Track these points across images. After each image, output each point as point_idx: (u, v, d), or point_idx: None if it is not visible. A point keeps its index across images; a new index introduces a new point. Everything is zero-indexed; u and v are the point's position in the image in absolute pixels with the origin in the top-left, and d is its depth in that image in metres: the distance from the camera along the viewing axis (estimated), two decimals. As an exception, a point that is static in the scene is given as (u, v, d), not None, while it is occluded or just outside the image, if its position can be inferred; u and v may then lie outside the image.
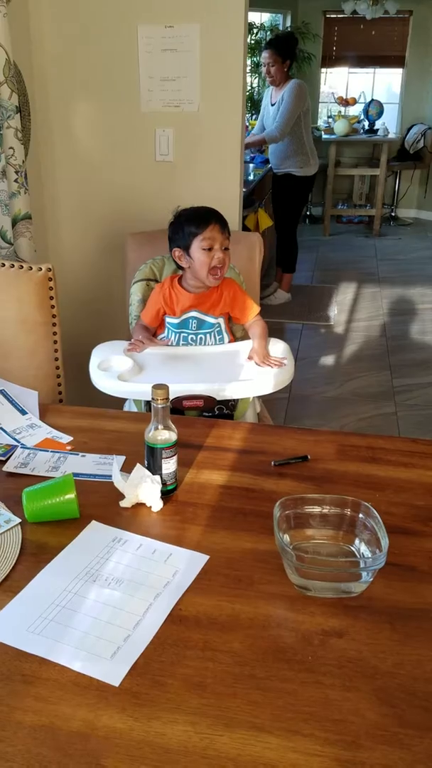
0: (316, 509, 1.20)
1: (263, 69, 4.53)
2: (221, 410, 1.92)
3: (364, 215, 7.42)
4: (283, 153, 4.57)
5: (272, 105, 4.51)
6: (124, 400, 2.01)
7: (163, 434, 1.28)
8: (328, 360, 4.06)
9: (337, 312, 4.85)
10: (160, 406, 1.26)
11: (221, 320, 2.01)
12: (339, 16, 7.04)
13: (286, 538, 1.15)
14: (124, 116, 2.60)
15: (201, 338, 2.00)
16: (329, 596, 1.07)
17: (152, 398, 1.26)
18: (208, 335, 2.00)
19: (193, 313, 2.00)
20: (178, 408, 1.74)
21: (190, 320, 1.99)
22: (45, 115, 2.62)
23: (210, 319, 2.00)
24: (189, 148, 2.61)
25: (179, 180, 2.65)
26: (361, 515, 1.17)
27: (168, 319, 2.02)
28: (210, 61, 2.48)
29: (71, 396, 2.02)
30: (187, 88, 2.54)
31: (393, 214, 7.63)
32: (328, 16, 7.17)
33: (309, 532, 1.19)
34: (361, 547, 1.16)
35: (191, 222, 1.94)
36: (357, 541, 1.17)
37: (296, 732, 0.86)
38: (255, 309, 2.05)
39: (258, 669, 0.94)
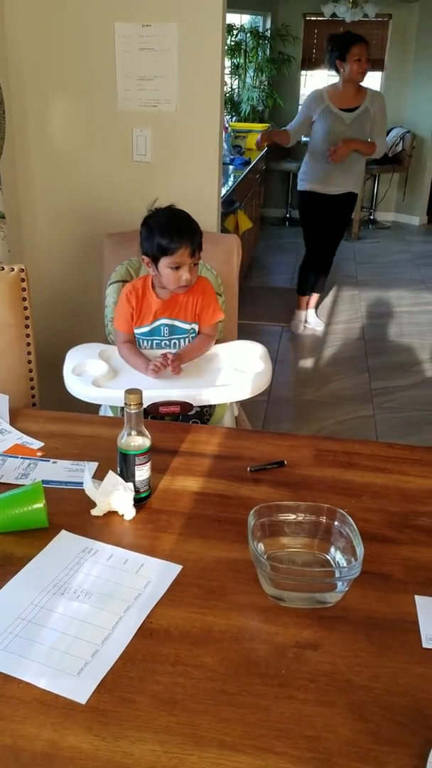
0: (291, 517, 1.17)
1: (355, 66, 3.91)
2: (199, 415, 1.89)
3: (344, 218, 7.42)
4: (355, 171, 4.11)
5: (348, 111, 3.97)
6: (99, 404, 1.98)
7: (136, 440, 1.25)
8: (307, 362, 4.05)
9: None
10: (133, 411, 1.23)
11: (195, 325, 1.97)
12: (319, 18, 7.04)
13: (261, 547, 1.12)
14: (101, 116, 2.57)
15: (175, 343, 1.97)
16: (304, 607, 1.05)
17: (125, 403, 1.23)
18: (182, 340, 1.97)
19: (164, 320, 1.95)
20: (154, 414, 1.71)
21: (162, 327, 1.95)
22: (21, 115, 2.58)
23: (183, 325, 1.96)
24: (167, 149, 2.58)
25: (157, 180, 2.62)
26: (336, 523, 1.15)
27: (137, 330, 1.96)
28: (188, 60, 2.45)
29: (46, 399, 1.98)
30: (164, 88, 2.51)
31: (371, 217, 7.65)
32: (308, 18, 7.17)
33: (284, 540, 1.17)
34: (337, 556, 1.14)
35: (162, 238, 1.84)
36: (332, 549, 1.15)
37: (268, 750, 0.83)
38: (216, 317, 1.99)
39: (230, 684, 0.91)
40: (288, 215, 7.63)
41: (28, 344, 1.89)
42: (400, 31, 7.08)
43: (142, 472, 1.26)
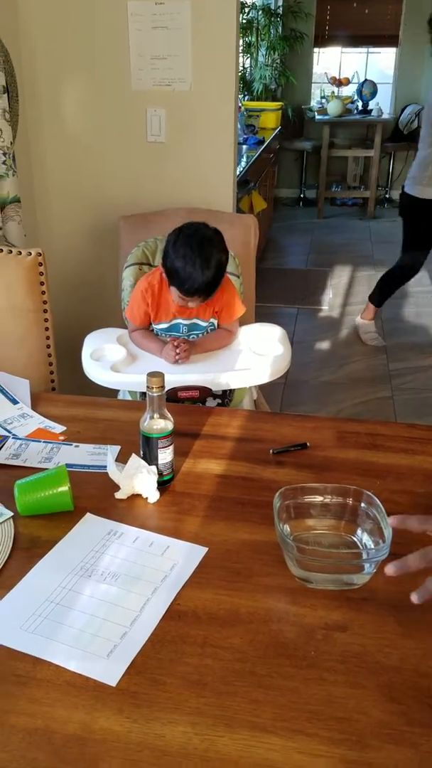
0: (318, 499, 1.16)
1: None
2: (221, 400, 1.89)
3: (358, 197, 7.35)
4: None
5: None
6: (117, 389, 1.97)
7: (158, 423, 1.24)
8: (324, 344, 4.02)
9: (332, 296, 4.81)
10: (155, 394, 1.23)
11: (214, 320, 1.95)
12: (332, -6, 6.94)
13: (287, 528, 1.12)
14: (114, 96, 2.54)
15: (193, 338, 1.94)
16: (331, 588, 1.04)
17: (147, 386, 1.22)
18: (201, 335, 1.95)
19: (181, 320, 1.93)
20: (173, 398, 1.70)
21: (180, 325, 1.93)
22: (33, 96, 2.56)
23: (202, 323, 1.94)
24: (181, 129, 2.55)
25: (171, 161, 2.60)
26: (363, 504, 1.14)
27: (154, 326, 1.94)
28: (202, 38, 2.42)
29: (64, 384, 1.98)
30: (178, 67, 2.48)
31: (387, 195, 7.57)
32: (320, -6, 7.06)
33: (310, 522, 1.16)
34: (363, 537, 1.13)
35: (178, 270, 1.76)
36: (359, 531, 1.14)
37: (299, 731, 0.83)
38: (236, 315, 1.96)
39: (259, 666, 0.91)
40: (302, 195, 7.55)
41: (47, 329, 1.88)
42: (415, 7, 6.94)
43: (165, 455, 1.26)
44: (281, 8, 6.85)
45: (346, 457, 1.38)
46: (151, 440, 1.24)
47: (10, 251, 1.82)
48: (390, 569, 0.93)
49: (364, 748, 0.81)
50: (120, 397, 1.99)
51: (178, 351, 1.78)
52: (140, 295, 1.91)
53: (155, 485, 1.23)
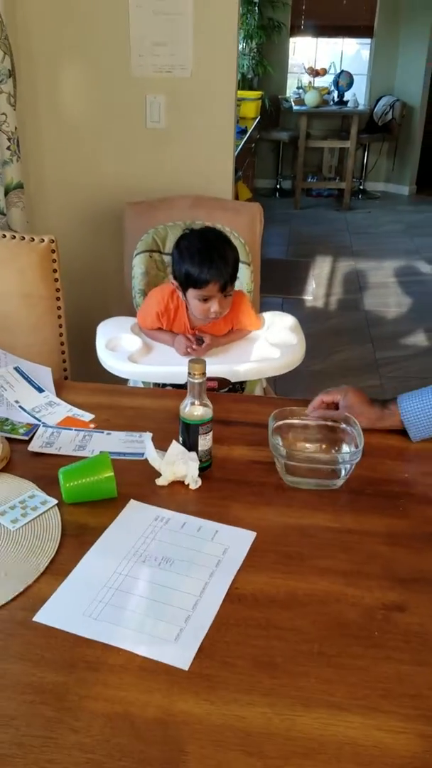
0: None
1: None
2: (232, 388, 1.89)
3: (334, 188, 7.40)
4: None
5: None
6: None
7: (199, 410, 1.24)
8: (311, 334, 4.04)
9: (315, 286, 4.84)
10: (197, 381, 1.23)
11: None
12: (308, -16, 6.94)
13: (279, 440, 1.29)
14: (114, 82, 2.51)
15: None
16: (313, 489, 1.23)
17: (189, 372, 1.22)
18: None
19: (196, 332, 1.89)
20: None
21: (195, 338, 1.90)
22: (31, 80, 2.51)
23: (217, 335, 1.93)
24: (181, 115, 2.54)
25: (171, 147, 2.58)
26: (343, 424, 1.33)
27: None
28: (203, 25, 2.40)
29: (75, 371, 1.96)
30: (179, 53, 2.46)
31: (362, 187, 7.62)
32: (296, -17, 7.06)
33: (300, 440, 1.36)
34: (344, 448, 1.32)
35: (191, 266, 1.73)
36: (344, 446, 1.33)
37: (376, 709, 0.84)
38: (254, 328, 1.93)
39: (326, 646, 0.92)
40: (278, 186, 7.57)
41: (59, 317, 1.86)
42: (390, -2, 6.99)
43: (205, 442, 1.26)
44: (258, -4, 6.83)
45: (375, 441, 1.38)
46: (191, 427, 1.25)
47: (23, 238, 1.80)
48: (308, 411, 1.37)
49: (440, 724, 0.83)
50: (131, 385, 1.98)
51: (192, 345, 1.78)
52: (156, 316, 1.86)
53: (197, 472, 1.23)
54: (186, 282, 1.76)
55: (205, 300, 1.76)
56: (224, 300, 1.78)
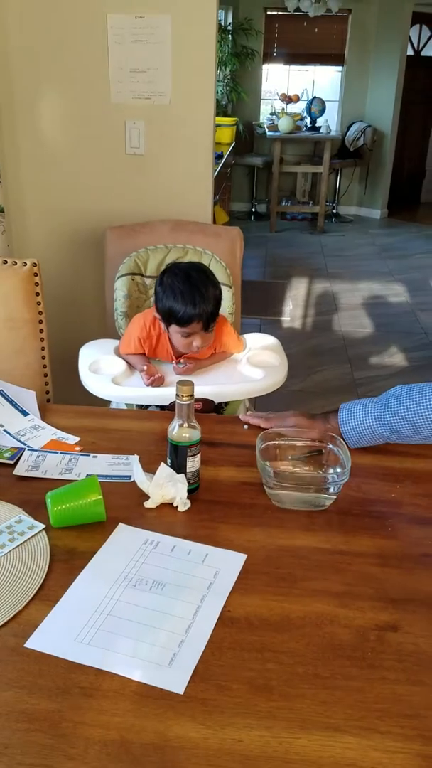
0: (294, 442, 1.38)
1: None
2: (216, 409, 1.89)
3: (308, 212, 7.50)
4: None
5: None
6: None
7: (187, 432, 1.24)
8: (290, 354, 4.06)
9: (292, 307, 4.88)
10: (185, 403, 1.23)
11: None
12: (279, 12, 7.08)
13: (267, 463, 1.27)
14: (94, 108, 2.54)
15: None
16: (301, 508, 1.24)
17: (177, 395, 1.23)
18: None
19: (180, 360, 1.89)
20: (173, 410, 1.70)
21: (179, 364, 1.90)
22: (10, 106, 2.53)
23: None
24: (160, 141, 2.57)
25: (150, 173, 2.60)
26: (329, 444, 1.34)
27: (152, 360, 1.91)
28: (181, 52, 2.44)
29: (57, 394, 1.95)
30: (158, 80, 2.49)
31: (335, 211, 7.74)
32: (268, 13, 7.20)
33: (287, 461, 1.37)
34: (330, 470, 1.32)
35: (174, 303, 1.74)
36: (330, 469, 1.33)
37: (373, 730, 0.84)
38: (236, 350, 1.95)
39: (321, 668, 0.92)
40: (254, 210, 7.65)
41: (42, 339, 1.86)
42: (360, 26, 7.16)
43: (193, 464, 1.26)
44: (231, 25, 6.95)
45: (362, 462, 1.40)
46: (180, 448, 1.25)
47: (5, 262, 1.80)
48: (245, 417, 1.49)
49: (438, 743, 0.83)
50: (113, 407, 1.98)
51: (146, 383, 1.77)
52: (138, 342, 1.86)
53: (185, 494, 1.23)
54: (169, 318, 1.77)
55: (188, 336, 1.77)
56: (206, 335, 1.79)
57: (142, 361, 1.84)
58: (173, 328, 1.78)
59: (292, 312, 4.78)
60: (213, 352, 1.91)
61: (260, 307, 4.76)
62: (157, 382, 1.75)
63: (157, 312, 1.81)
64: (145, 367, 1.79)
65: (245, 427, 1.52)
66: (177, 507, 1.23)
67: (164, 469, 1.24)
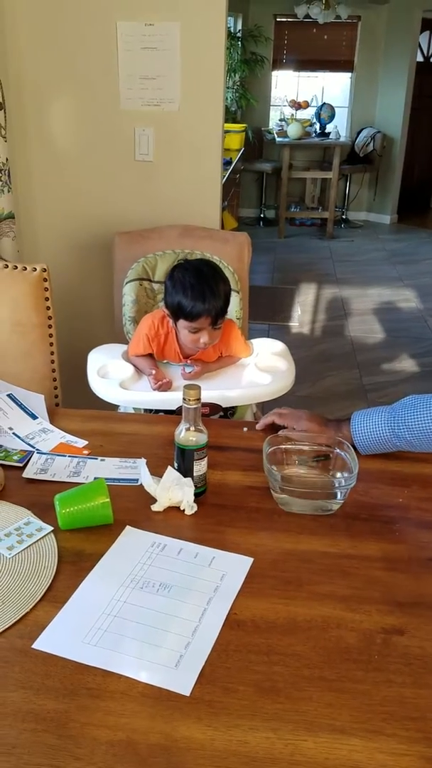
0: (301, 446, 1.39)
1: None
2: (222, 414, 1.90)
3: (317, 218, 7.50)
4: None
5: None
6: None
7: (194, 436, 1.25)
8: (298, 359, 4.07)
9: (300, 312, 4.88)
10: (192, 407, 1.24)
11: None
12: (289, 19, 7.11)
13: (273, 467, 1.28)
14: (103, 115, 2.55)
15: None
16: (309, 513, 1.24)
17: (184, 398, 1.23)
18: None
19: (186, 364, 1.88)
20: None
21: (184, 366, 1.90)
22: (21, 112, 2.55)
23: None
24: (169, 148, 2.58)
25: (159, 180, 2.62)
26: (337, 449, 1.35)
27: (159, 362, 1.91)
28: (190, 60, 2.45)
29: (66, 398, 1.96)
30: (167, 87, 2.51)
31: (344, 216, 7.74)
32: (278, 19, 7.22)
33: (293, 466, 1.38)
34: (337, 474, 1.33)
35: (183, 298, 1.73)
36: (337, 473, 1.34)
37: (379, 732, 0.84)
38: (243, 355, 1.94)
39: (327, 671, 0.93)
40: (262, 215, 7.67)
41: (51, 344, 1.87)
42: (369, 33, 7.18)
43: (200, 467, 1.27)
44: (240, 32, 6.98)
45: (369, 466, 1.40)
46: (187, 452, 1.25)
47: (15, 267, 1.81)
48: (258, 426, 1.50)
49: (443, 746, 0.83)
50: (120, 411, 1.99)
51: (153, 387, 1.76)
52: (147, 341, 1.86)
53: (192, 497, 1.24)
54: (177, 313, 1.77)
55: (196, 331, 1.78)
56: (214, 332, 1.80)
57: (150, 365, 1.84)
58: (181, 323, 1.78)
59: (301, 317, 4.78)
60: (220, 356, 1.92)
61: (269, 312, 4.76)
62: (165, 386, 1.75)
63: (166, 307, 1.81)
64: (153, 372, 1.80)
65: (244, 429, 1.53)
66: (184, 510, 1.24)
67: (171, 473, 1.25)
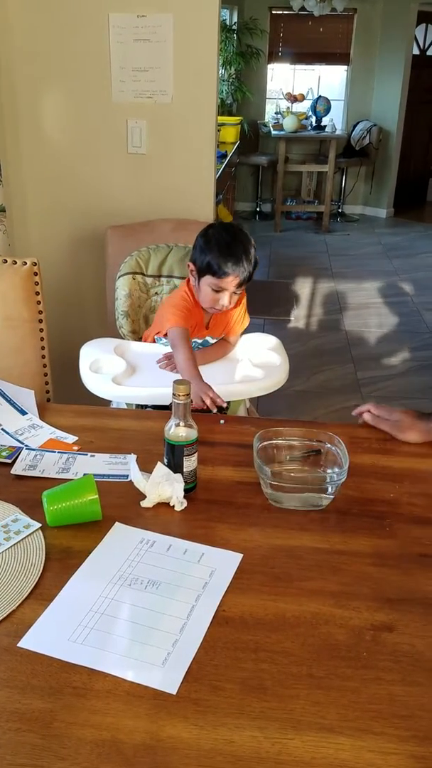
0: (291, 441, 1.38)
1: None
2: (218, 409, 1.89)
3: (313, 211, 7.49)
4: None
5: None
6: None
7: (183, 431, 1.24)
8: (293, 354, 4.06)
9: (296, 307, 4.87)
10: (181, 402, 1.22)
11: (222, 338, 1.97)
12: (284, 12, 7.08)
13: (264, 463, 1.26)
14: (95, 107, 2.54)
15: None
16: (300, 508, 1.23)
17: (173, 394, 1.22)
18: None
19: (196, 340, 1.91)
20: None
21: (194, 344, 1.90)
22: (12, 105, 2.53)
23: (212, 341, 1.96)
24: (162, 140, 2.56)
25: (152, 172, 2.60)
26: (328, 444, 1.34)
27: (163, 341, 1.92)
28: (183, 51, 2.44)
29: (57, 394, 1.95)
30: (160, 79, 2.49)
31: (340, 210, 7.72)
32: (273, 12, 7.19)
33: (283, 462, 1.36)
34: (328, 469, 1.32)
35: (216, 256, 1.74)
36: (328, 469, 1.32)
37: (367, 731, 0.83)
38: (243, 326, 1.97)
39: (315, 668, 0.92)
40: (258, 209, 7.64)
41: (42, 339, 1.86)
42: (365, 26, 7.15)
43: (190, 463, 1.26)
44: (236, 24, 6.94)
45: (361, 462, 1.40)
46: (177, 448, 1.24)
47: (5, 261, 1.80)
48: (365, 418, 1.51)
49: (432, 744, 0.82)
50: (113, 406, 1.97)
51: (207, 403, 1.63)
52: (185, 310, 1.85)
53: (182, 493, 1.23)
54: (206, 269, 1.77)
55: (219, 290, 1.77)
56: (234, 296, 1.81)
57: (186, 346, 1.77)
58: (207, 280, 1.78)
59: (296, 312, 4.77)
60: (226, 328, 1.94)
61: (264, 306, 4.75)
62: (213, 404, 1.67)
63: (193, 263, 1.81)
64: (210, 394, 1.65)
65: (221, 422, 1.53)
66: (173, 506, 1.23)
67: (161, 469, 1.23)
